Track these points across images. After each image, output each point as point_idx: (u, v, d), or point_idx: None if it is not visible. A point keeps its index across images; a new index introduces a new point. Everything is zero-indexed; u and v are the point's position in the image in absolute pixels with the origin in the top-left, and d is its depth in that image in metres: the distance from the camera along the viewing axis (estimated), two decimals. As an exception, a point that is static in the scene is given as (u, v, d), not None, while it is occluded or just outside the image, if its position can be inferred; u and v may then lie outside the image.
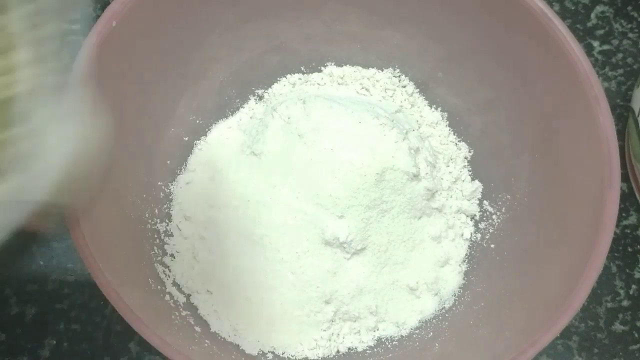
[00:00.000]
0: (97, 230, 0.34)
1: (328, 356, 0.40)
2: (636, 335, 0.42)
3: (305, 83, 0.46)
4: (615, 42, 0.50)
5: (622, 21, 0.51)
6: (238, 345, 0.39)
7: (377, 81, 0.46)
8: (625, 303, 0.43)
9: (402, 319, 0.41)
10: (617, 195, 0.34)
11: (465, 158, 0.44)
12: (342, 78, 0.46)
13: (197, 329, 0.38)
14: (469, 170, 0.44)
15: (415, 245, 0.42)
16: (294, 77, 0.46)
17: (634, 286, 0.44)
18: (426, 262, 0.42)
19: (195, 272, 0.41)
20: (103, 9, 0.43)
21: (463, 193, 0.44)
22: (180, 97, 0.43)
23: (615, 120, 0.36)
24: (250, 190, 0.41)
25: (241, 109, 0.46)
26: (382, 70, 0.46)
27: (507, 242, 0.41)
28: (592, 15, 0.51)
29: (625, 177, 0.45)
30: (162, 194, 0.42)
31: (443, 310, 0.41)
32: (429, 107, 0.46)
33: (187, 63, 0.42)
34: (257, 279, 0.41)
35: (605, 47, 0.50)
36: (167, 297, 0.39)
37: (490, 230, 0.43)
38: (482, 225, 0.43)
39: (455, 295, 0.41)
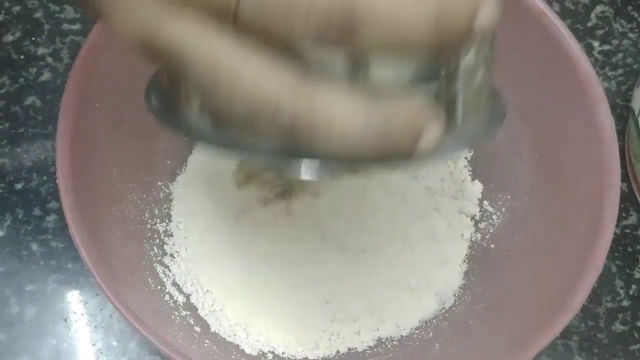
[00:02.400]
0: (97, 230, 0.34)
1: (328, 356, 0.40)
2: (636, 335, 0.42)
3: None
4: (615, 42, 0.50)
5: (622, 21, 0.51)
6: (238, 345, 0.39)
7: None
8: (625, 303, 0.43)
9: (402, 319, 0.41)
10: (617, 195, 0.34)
11: (465, 158, 0.44)
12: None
13: (197, 329, 0.39)
14: (469, 170, 0.44)
15: (415, 246, 0.42)
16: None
17: (634, 286, 0.44)
18: (426, 262, 0.42)
19: (195, 272, 0.41)
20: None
21: (463, 193, 0.44)
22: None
23: (615, 120, 0.36)
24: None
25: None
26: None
27: (507, 242, 0.41)
28: (592, 15, 0.51)
29: (625, 177, 0.45)
30: (162, 194, 0.42)
31: (443, 310, 0.41)
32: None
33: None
34: (257, 278, 0.41)
35: (605, 47, 0.50)
36: (167, 297, 0.39)
37: (490, 230, 0.43)
38: (482, 225, 0.43)
39: (455, 295, 0.41)
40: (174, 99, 0.23)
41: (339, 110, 0.20)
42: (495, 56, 0.24)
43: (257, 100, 0.20)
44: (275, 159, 0.22)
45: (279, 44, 0.19)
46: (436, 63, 0.21)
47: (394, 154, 0.21)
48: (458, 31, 0.19)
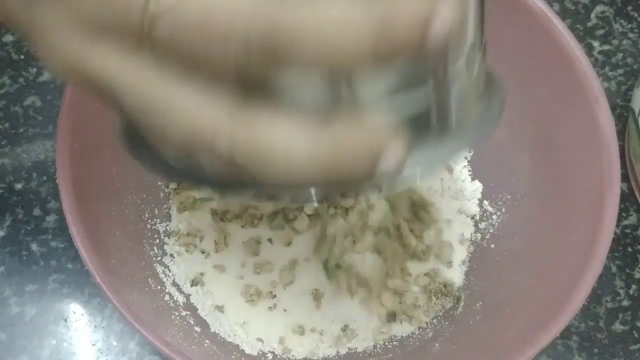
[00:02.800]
0: (97, 230, 0.34)
1: (328, 356, 0.40)
2: (636, 335, 0.42)
3: None
4: (615, 42, 0.50)
5: (622, 21, 0.51)
6: (238, 345, 0.39)
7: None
8: (625, 303, 0.43)
9: (403, 319, 0.41)
10: (617, 195, 0.34)
11: (465, 158, 0.44)
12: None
13: (197, 329, 0.38)
14: (469, 170, 0.44)
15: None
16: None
17: (634, 286, 0.44)
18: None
19: (195, 272, 0.41)
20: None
21: (463, 193, 0.44)
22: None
23: (615, 120, 0.36)
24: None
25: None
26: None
27: (507, 242, 0.41)
28: (592, 15, 0.51)
29: (625, 177, 0.45)
30: (162, 194, 0.42)
31: (443, 310, 0.41)
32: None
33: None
34: (258, 279, 0.41)
35: (605, 47, 0.50)
36: (167, 297, 0.39)
37: (490, 230, 0.43)
38: (482, 225, 0.43)
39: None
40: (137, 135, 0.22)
41: (280, 136, 0.18)
42: (485, 54, 0.24)
43: (191, 130, 0.19)
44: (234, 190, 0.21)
45: (209, 71, 0.18)
46: (410, 72, 0.20)
47: (350, 177, 0.19)
48: (406, 43, 0.17)
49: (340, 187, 0.20)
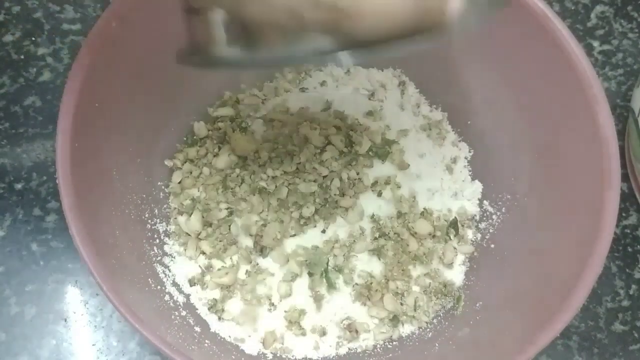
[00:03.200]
0: (97, 230, 0.34)
1: (328, 356, 0.40)
2: (636, 335, 0.42)
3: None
4: (615, 42, 0.50)
5: (622, 21, 0.51)
6: (238, 345, 0.39)
7: (377, 81, 0.46)
8: (625, 303, 0.43)
9: (402, 320, 0.41)
10: (617, 195, 0.34)
11: (465, 158, 0.44)
12: (342, 77, 0.46)
13: (197, 329, 0.38)
14: (469, 170, 0.44)
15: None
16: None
17: (634, 286, 0.44)
18: (427, 262, 0.42)
19: (195, 272, 0.41)
20: (103, 9, 0.43)
21: (463, 193, 0.44)
22: (181, 97, 0.43)
23: (615, 120, 0.36)
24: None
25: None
26: (382, 70, 0.46)
27: (507, 242, 0.41)
28: (592, 15, 0.51)
29: (625, 177, 0.45)
30: (162, 194, 0.42)
31: (443, 311, 0.41)
32: (429, 107, 0.46)
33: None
34: (258, 279, 0.41)
35: (605, 47, 0.50)
36: (167, 297, 0.39)
37: (490, 230, 0.43)
38: (482, 225, 0.43)
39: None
40: (204, 48, 0.26)
41: None
42: None
43: None
44: (311, 59, 0.25)
45: None
46: None
47: (427, 24, 0.23)
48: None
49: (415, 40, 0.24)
